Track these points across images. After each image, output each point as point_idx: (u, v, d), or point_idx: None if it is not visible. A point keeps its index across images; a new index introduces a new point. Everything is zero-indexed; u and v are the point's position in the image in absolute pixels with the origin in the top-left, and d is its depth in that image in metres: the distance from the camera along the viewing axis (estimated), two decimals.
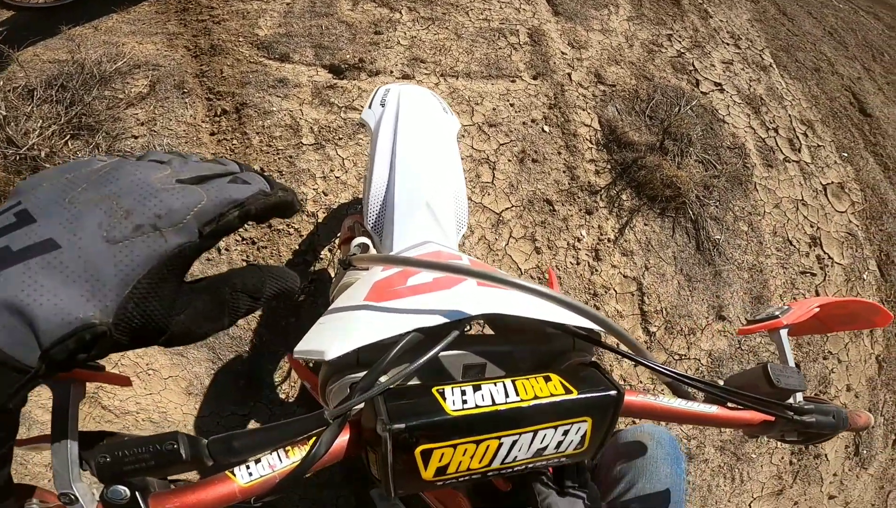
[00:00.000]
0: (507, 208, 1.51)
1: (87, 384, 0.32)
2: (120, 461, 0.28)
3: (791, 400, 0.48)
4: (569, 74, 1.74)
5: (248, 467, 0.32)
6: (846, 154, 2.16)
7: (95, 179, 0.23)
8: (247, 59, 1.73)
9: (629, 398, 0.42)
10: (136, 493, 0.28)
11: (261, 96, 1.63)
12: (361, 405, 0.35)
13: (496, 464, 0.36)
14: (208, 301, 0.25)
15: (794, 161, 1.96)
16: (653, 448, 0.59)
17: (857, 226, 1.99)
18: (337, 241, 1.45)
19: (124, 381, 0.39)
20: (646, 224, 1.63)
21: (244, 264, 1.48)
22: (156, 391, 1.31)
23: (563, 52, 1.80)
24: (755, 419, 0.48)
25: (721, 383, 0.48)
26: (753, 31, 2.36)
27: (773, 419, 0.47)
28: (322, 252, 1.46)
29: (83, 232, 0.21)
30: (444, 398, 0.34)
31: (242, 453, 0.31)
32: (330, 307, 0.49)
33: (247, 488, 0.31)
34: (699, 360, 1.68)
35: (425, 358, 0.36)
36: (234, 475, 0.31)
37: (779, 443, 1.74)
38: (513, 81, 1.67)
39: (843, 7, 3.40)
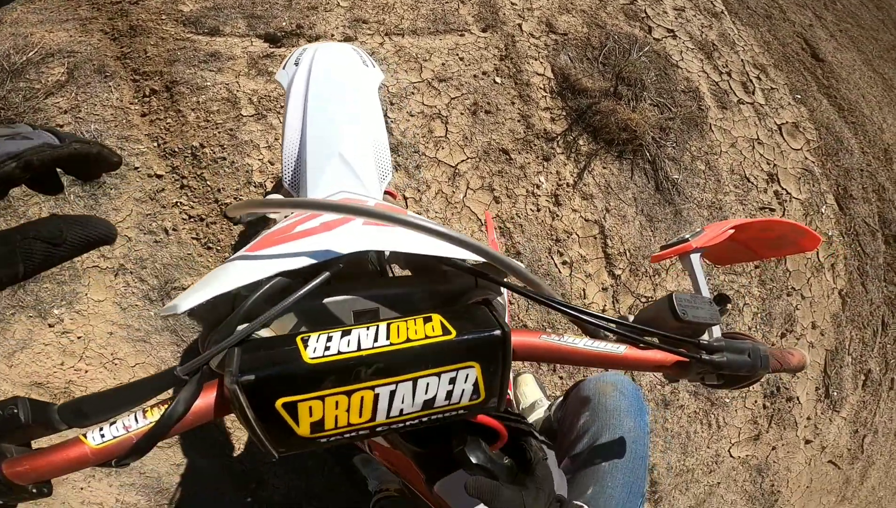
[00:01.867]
0: (462, 161, 1.51)
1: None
2: None
3: (706, 337, 0.42)
4: (519, 25, 1.73)
5: (100, 429, 0.31)
6: (799, 96, 2.20)
7: None
8: (172, 37, 1.68)
9: (525, 338, 0.38)
10: None
11: (192, 72, 1.58)
12: (210, 360, 0.33)
13: (380, 418, 0.33)
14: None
15: (748, 103, 1.99)
16: (616, 399, 0.57)
17: (813, 162, 2.04)
18: None
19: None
20: (604, 167, 1.64)
21: (195, 241, 1.45)
22: (125, 379, 1.30)
23: (512, 3, 1.79)
24: (667, 360, 0.42)
25: (631, 319, 0.44)
26: None
27: (686, 359, 0.42)
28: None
29: None
30: (307, 346, 0.32)
31: (93, 416, 0.31)
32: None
33: (98, 449, 0.30)
34: None
35: (285, 303, 0.33)
36: (86, 437, 0.31)
37: (750, 388, 1.78)
38: (461, 35, 1.66)
39: None
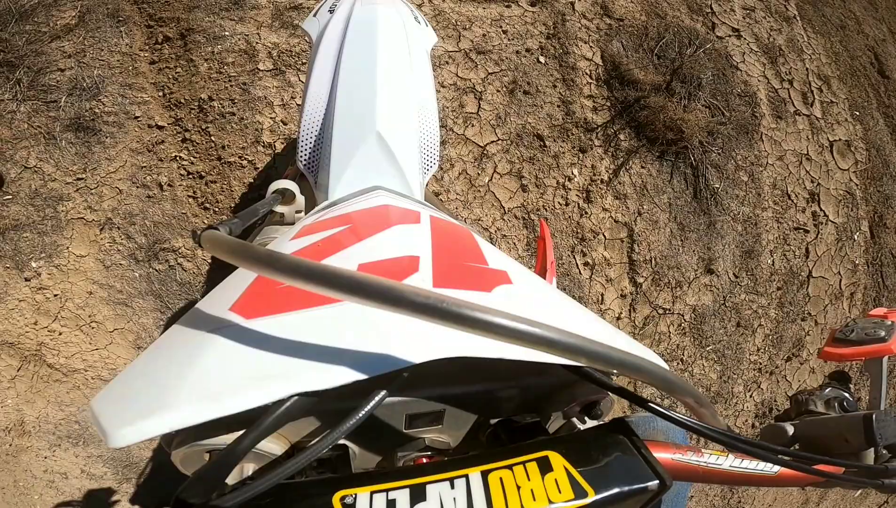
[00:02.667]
0: (492, 142, 1.44)
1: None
2: None
3: (875, 454, 0.35)
4: (572, 4, 1.61)
5: None
6: (858, 113, 2.06)
7: None
8: None
9: (667, 455, 0.30)
10: None
11: (211, 20, 1.49)
12: None
13: None
14: None
15: (804, 115, 1.86)
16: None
17: (857, 185, 1.93)
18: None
19: None
20: (643, 167, 1.56)
21: (192, 200, 1.40)
22: (102, 345, 1.23)
23: None
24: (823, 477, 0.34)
25: (790, 429, 0.36)
26: None
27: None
28: None
29: None
30: None
31: None
32: (192, 310, 0.30)
33: None
34: (682, 316, 1.65)
35: (302, 458, 0.21)
36: None
37: (745, 406, 1.74)
38: (507, 7, 1.55)
39: None
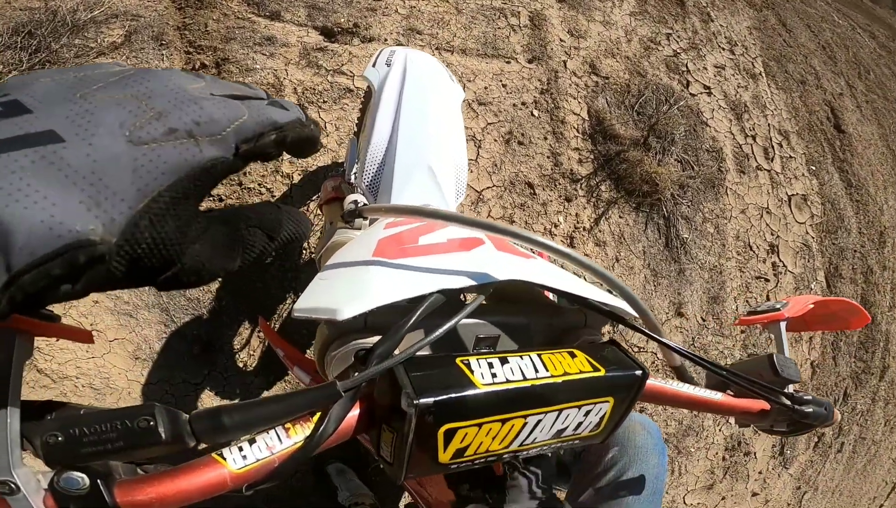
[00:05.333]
0: (488, 187, 1.55)
1: (36, 338, 0.25)
2: (76, 441, 0.22)
3: (789, 390, 0.48)
4: (564, 62, 1.75)
5: (240, 448, 0.26)
6: (814, 168, 2.27)
7: (116, 80, 0.19)
8: (235, 15, 1.66)
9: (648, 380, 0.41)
10: (98, 481, 0.23)
11: (245, 53, 1.57)
12: (372, 378, 0.29)
13: (514, 445, 0.33)
14: (224, 233, 0.21)
15: (765, 169, 2.05)
16: (644, 438, 0.60)
17: (813, 238, 2.13)
18: (314, 203, 1.46)
19: (85, 337, 0.31)
20: (620, 217, 1.70)
21: None
22: (99, 354, 1.21)
23: (561, 39, 1.80)
24: (755, 408, 0.48)
25: (731, 367, 0.49)
26: (751, 38, 2.40)
27: (769, 407, 0.48)
28: None
29: (98, 128, 0.16)
30: (472, 371, 0.31)
31: (234, 431, 0.25)
32: (329, 263, 0.42)
33: (240, 474, 0.25)
34: (655, 353, 1.80)
35: (451, 323, 0.32)
36: (224, 458, 0.25)
37: (714, 439, 1.90)
38: (508, 63, 1.67)
39: (842, 23, 3.46)
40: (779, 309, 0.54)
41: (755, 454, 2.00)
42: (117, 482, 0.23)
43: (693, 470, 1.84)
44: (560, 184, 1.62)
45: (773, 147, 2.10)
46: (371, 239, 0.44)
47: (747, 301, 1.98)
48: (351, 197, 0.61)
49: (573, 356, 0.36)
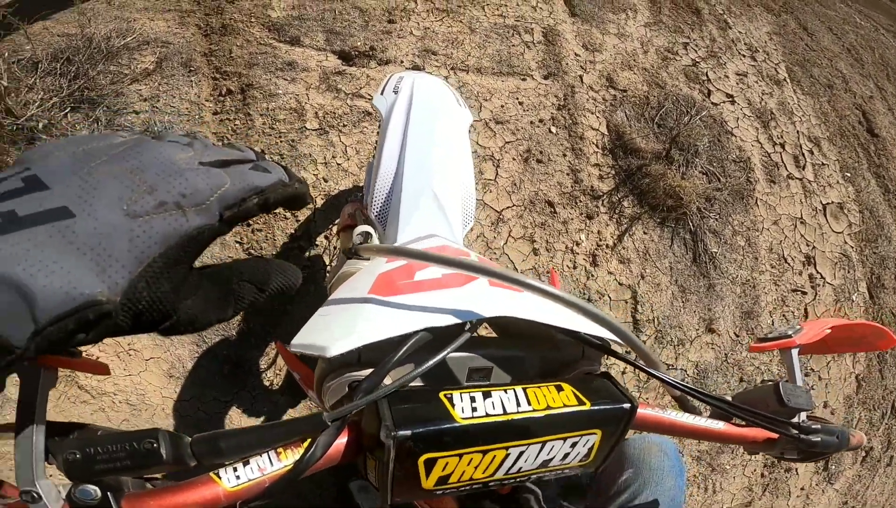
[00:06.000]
0: (508, 207, 1.52)
1: (60, 370, 0.29)
2: (91, 458, 0.26)
3: (797, 419, 0.47)
4: (580, 77, 1.73)
5: (234, 469, 0.29)
6: (849, 174, 2.17)
7: (117, 152, 0.22)
8: (257, 41, 1.71)
9: (643, 410, 0.42)
10: (108, 494, 0.26)
11: (268, 78, 1.61)
12: (358, 409, 0.32)
13: (499, 474, 0.35)
14: (215, 288, 0.24)
15: (797, 178, 1.96)
16: (660, 459, 0.59)
17: (852, 247, 2.01)
18: (335, 228, 1.46)
19: (102, 369, 0.35)
20: (645, 233, 1.64)
21: (238, 246, 1.48)
22: (135, 372, 1.28)
23: (576, 54, 1.78)
24: (759, 437, 0.47)
25: (729, 398, 0.48)
26: (772, 44, 2.34)
27: (776, 436, 0.47)
28: (318, 239, 1.47)
29: (101, 203, 0.20)
30: (453, 405, 0.33)
31: (230, 454, 0.29)
32: (330, 298, 0.46)
33: (232, 492, 0.28)
34: (685, 371, 1.71)
35: (434, 360, 0.34)
36: (220, 477, 0.29)
37: (752, 456, 1.79)
38: (523, 80, 1.66)
39: (864, 24, 3.35)
40: (791, 335, 0.52)
41: (797, 470, 1.87)
42: (125, 495, 0.27)
43: (729, 488, 1.73)
44: (581, 201, 1.58)
45: (803, 155, 2.01)
46: (372, 274, 0.47)
47: (784, 315, 1.88)
48: (359, 229, 0.61)
49: (560, 389, 0.37)
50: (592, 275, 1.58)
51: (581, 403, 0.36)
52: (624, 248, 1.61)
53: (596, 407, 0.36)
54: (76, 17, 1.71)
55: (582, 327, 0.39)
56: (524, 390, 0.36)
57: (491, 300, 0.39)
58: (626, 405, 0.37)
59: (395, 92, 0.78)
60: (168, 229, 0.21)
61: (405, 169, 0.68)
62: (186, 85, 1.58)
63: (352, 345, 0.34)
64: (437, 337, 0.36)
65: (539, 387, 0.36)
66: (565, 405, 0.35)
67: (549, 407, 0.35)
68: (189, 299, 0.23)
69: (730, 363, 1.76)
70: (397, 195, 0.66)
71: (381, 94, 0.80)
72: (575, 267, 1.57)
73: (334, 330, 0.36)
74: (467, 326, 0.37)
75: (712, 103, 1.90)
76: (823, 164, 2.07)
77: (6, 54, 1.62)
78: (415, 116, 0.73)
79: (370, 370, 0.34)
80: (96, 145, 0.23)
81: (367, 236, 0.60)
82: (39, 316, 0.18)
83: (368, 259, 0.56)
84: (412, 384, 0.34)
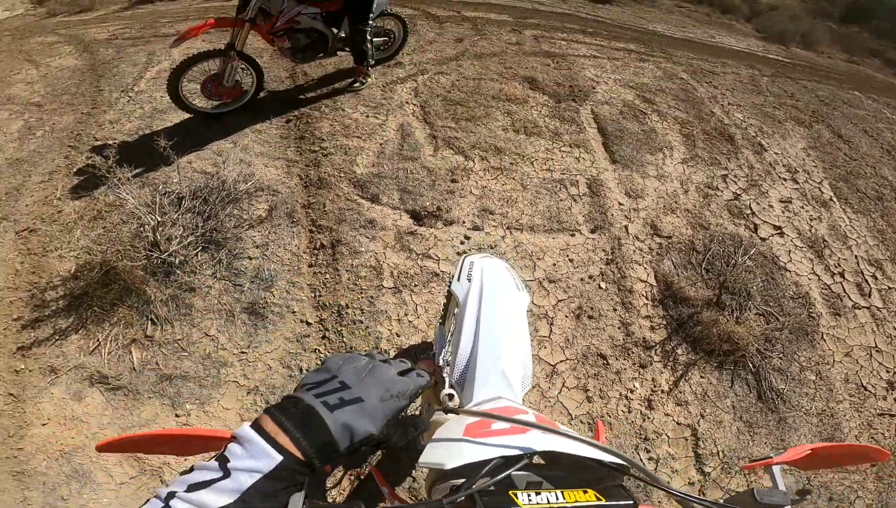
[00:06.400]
0: (561, 361, 1.67)
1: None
2: None
3: None
4: (625, 227, 1.90)
5: None
6: None
7: (368, 370, 0.47)
8: (345, 196, 2.08)
9: (640, 505, 0.56)
10: None
11: (353, 235, 1.93)
12: (462, 498, 0.51)
13: None
14: (401, 430, 0.50)
15: (863, 307, 1.94)
16: None
17: None
18: None
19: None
20: (702, 377, 1.70)
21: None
22: None
23: (619, 203, 1.98)
24: None
25: (721, 501, 0.63)
26: (810, 160, 2.40)
27: None
28: None
29: (372, 396, 0.45)
30: (518, 497, 0.52)
31: None
32: (435, 436, 0.69)
33: None
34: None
35: (505, 473, 0.55)
36: None
37: None
38: (572, 236, 1.87)
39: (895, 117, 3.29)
40: (771, 457, 0.70)
41: None
42: None
43: None
44: (633, 352, 1.69)
45: (866, 281, 1.99)
46: (460, 424, 0.70)
47: (872, 437, 1.78)
48: (445, 391, 0.85)
49: (585, 492, 0.54)
50: (648, 417, 1.65)
51: (598, 499, 0.52)
52: (680, 392, 1.67)
53: (607, 503, 0.52)
54: (211, 155, 2.16)
55: (604, 457, 0.58)
56: (561, 492, 0.53)
57: (541, 441, 0.61)
58: (629, 502, 0.52)
59: (469, 280, 1.03)
60: (395, 406, 0.46)
61: (480, 349, 0.93)
62: (289, 236, 1.93)
63: (459, 463, 0.56)
64: (507, 462, 0.56)
65: (573, 490, 0.54)
66: (587, 501, 0.52)
67: (577, 501, 0.52)
68: (394, 435, 0.48)
69: (814, 485, 1.68)
70: (472, 370, 0.91)
71: (458, 280, 1.05)
72: (630, 411, 1.65)
73: (447, 454, 0.60)
74: (525, 456, 0.58)
75: (760, 239, 1.98)
76: (890, 288, 2.02)
77: (160, 186, 2.04)
78: (485, 305, 0.98)
79: (464, 480, 0.55)
80: (356, 365, 0.47)
81: (451, 397, 0.85)
82: (355, 439, 0.42)
83: (457, 412, 0.81)
84: (490, 487, 0.54)
